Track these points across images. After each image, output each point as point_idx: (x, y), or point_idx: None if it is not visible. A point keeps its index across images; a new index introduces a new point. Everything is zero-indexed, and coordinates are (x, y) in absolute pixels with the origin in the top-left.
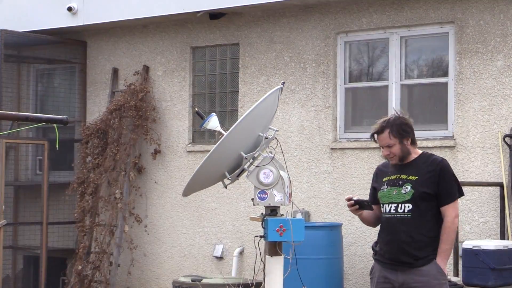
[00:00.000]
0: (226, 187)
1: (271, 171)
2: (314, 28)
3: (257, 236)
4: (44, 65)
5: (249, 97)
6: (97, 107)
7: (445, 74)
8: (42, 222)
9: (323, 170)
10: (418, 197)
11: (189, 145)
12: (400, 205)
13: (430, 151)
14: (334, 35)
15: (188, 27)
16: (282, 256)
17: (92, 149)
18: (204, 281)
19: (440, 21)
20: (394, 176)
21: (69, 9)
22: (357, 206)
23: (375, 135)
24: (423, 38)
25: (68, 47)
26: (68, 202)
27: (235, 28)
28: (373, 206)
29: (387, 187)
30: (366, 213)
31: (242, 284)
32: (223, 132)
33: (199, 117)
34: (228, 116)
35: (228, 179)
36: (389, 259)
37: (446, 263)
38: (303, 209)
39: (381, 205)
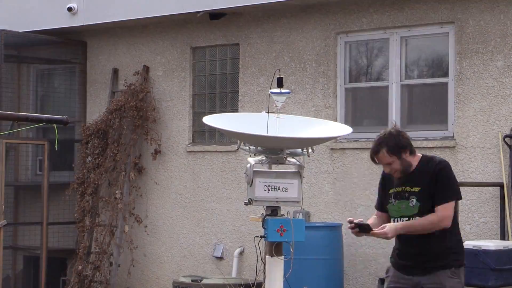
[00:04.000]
0: (237, 150)
1: None
2: (314, 28)
3: (257, 236)
4: (44, 65)
5: (249, 97)
6: (97, 107)
7: (445, 74)
8: (42, 222)
9: (323, 170)
10: (425, 210)
11: (189, 145)
12: (411, 218)
13: (430, 152)
14: (334, 35)
15: (188, 27)
16: (283, 256)
17: (92, 149)
18: (204, 281)
19: (440, 21)
20: (400, 189)
21: (69, 9)
22: (358, 229)
23: (374, 157)
24: (423, 38)
25: (68, 47)
26: (68, 202)
27: (235, 28)
28: (382, 213)
29: (395, 201)
30: (372, 224)
31: (242, 284)
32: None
33: (277, 82)
34: None
35: (248, 148)
36: (404, 267)
37: (397, 231)
38: (303, 209)
39: (392, 219)
